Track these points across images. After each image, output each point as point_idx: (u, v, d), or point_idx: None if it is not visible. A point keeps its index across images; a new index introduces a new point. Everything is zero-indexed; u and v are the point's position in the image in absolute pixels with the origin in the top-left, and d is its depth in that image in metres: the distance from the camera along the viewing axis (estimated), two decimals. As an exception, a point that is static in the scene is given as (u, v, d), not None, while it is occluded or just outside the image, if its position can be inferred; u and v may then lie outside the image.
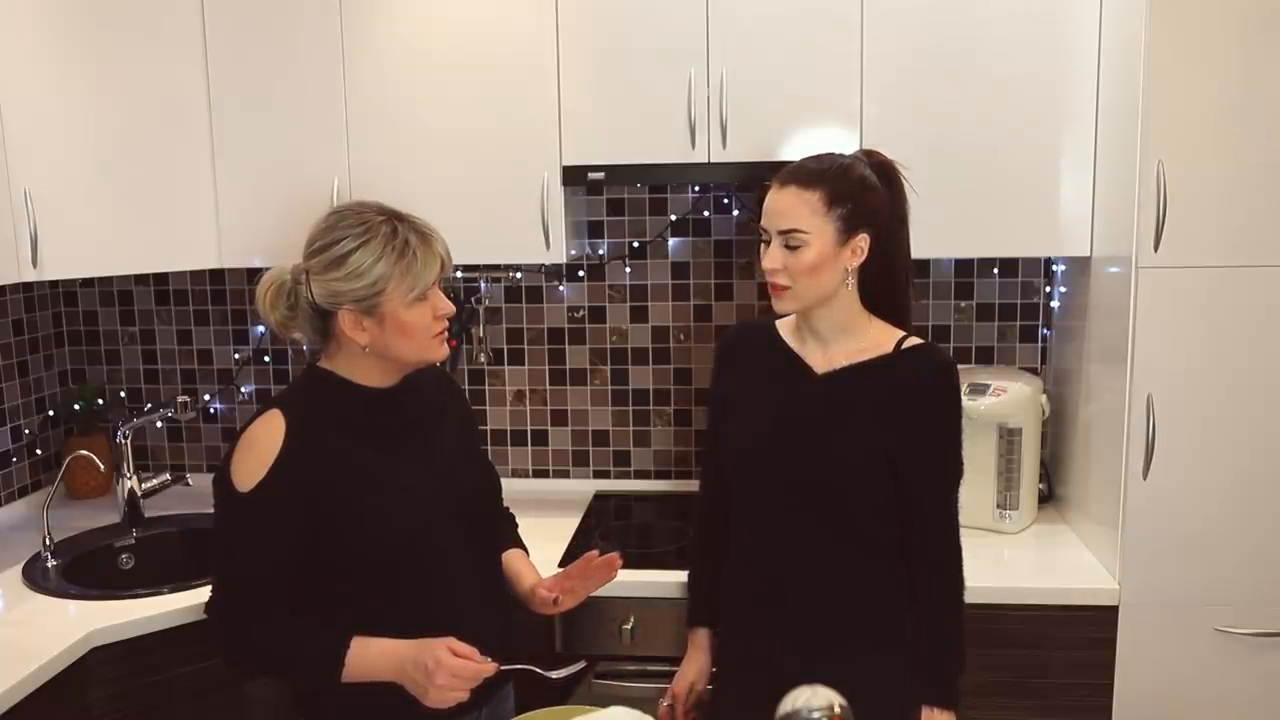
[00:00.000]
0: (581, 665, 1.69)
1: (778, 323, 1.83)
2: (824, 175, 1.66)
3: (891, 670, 1.74)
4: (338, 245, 1.57)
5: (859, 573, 1.73)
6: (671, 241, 2.78)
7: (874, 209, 1.68)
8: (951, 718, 1.71)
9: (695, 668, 1.92)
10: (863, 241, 1.68)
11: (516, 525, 1.97)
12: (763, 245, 1.70)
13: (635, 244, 2.79)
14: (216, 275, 2.90)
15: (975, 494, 2.38)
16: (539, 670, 1.62)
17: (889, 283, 1.75)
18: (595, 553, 1.71)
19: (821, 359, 1.75)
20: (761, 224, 1.70)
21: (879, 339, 1.74)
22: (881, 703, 1.65)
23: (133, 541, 2.53)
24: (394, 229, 1.58)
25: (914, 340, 1.74)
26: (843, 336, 1.74)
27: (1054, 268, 2.66)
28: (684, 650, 1.94)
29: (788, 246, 1.65)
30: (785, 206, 1.66)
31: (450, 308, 1.65)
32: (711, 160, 2.36)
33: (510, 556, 1.85)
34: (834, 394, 1.72)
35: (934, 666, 1.73)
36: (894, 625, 1.75)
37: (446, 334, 1.66)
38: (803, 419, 1.73)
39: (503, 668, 1.57)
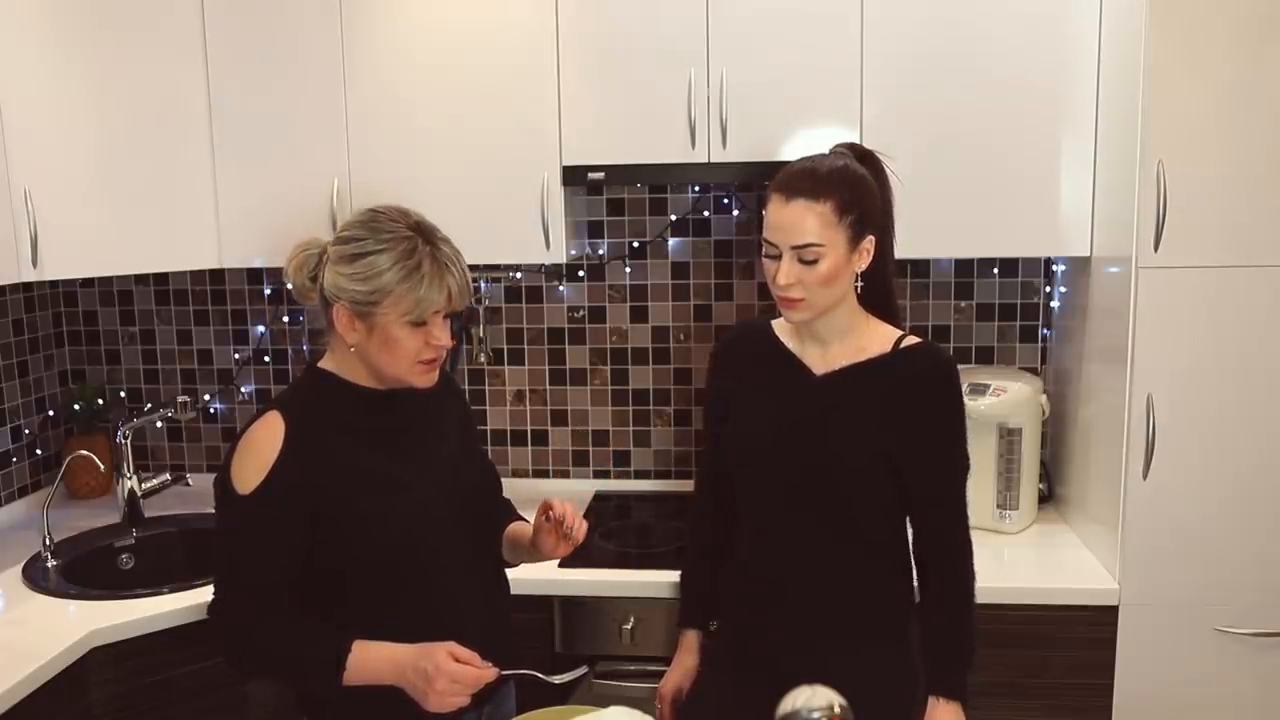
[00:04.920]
0: (583, 671, 1.68)
1: (774, 323, 1.83)
2: (830, 183, 1.62)
3: (892, 670, 1.74)
4: (358, 243, 1.57)
5: (859, 572, 1.73)
6: (671, 241, 2.78)
7: (875, 209, 1.68)
8: (958, 709, 1.70)
9: (682, 670, 1.92)
10: (869, 244, 1.67)
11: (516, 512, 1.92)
12: (767, 259, 1.66)
13: (635, 244, 2.79)
14: (216, 275, 2.90)
15: (975, 494, 2.36)
16: (540, 675, 1.62)
17: (881, 279, 1.74)
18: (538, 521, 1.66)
19: (820, 359, 1.75)
20: (767, 237, 1.65)
21: (877, 338, 1.73)
22: (882, 702, 1.66)
23: (133, 541, 2.53)
24: (414, 247, 1.55)
25: (912, 339, 1.74)
26: (842, 337, 1.74)
27: (1054, 268, 2.65)
28: (685, 651, 1.94)
29: (802, 261, 1.62)
30: (797, 220, 1.61)
31: (447, 341, 1.61)
32: (711, 160, 2.35)
33: (512, 526, 1.82)
34: (833, 394, 1.72)
35: (943, 658, 1.72)
36: (895, 625, 1.75)
37: (436, 364, 1.63)
38: (802, 420, 1.72)
39: (503, 673, 1.56)
